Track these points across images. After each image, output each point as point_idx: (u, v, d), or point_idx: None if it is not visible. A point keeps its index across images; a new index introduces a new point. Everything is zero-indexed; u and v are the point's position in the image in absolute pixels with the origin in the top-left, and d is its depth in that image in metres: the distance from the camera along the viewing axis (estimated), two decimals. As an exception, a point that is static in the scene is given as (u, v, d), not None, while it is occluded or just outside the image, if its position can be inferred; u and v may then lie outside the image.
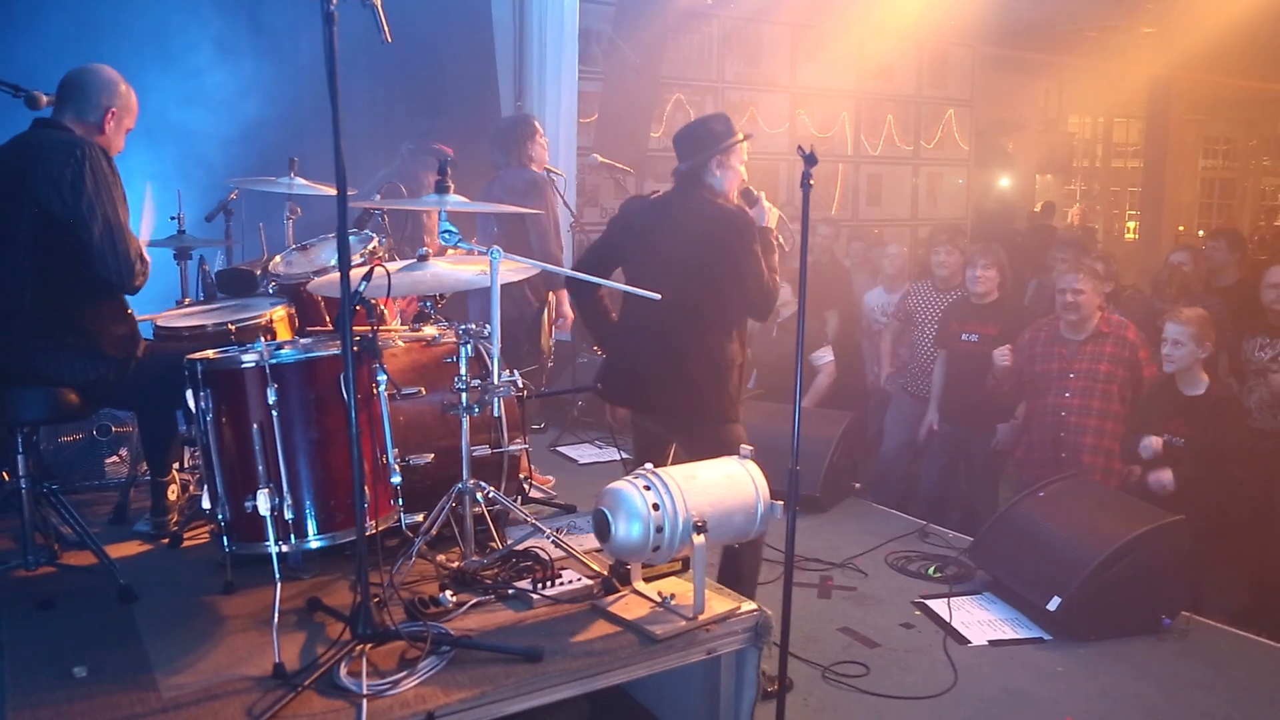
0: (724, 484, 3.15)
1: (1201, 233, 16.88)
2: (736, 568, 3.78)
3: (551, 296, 5.56)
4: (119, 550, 3.64)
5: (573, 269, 4.11)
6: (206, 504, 3.22)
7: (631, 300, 3.58)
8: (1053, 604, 4.17)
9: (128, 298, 3.54)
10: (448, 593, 3.16)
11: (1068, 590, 4.15)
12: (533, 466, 4.20)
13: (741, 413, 3.90)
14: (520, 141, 5.53)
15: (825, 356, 6.53)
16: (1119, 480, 5.11)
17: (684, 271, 3.71)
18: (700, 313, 3.76)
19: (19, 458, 3.37)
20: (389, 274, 3.22)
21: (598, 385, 4.08)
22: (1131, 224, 18.32)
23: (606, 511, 3.02)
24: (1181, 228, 17.06)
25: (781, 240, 3.88)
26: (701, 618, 3.07)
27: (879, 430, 6.86)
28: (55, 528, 3.58)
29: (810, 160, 3.06)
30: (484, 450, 3.55)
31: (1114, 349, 5.27)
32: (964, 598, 4.56)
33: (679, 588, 3.25)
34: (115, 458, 4.66)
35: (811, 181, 3.09)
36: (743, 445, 3.32)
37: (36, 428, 3.55)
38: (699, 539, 3.01)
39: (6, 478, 3.44)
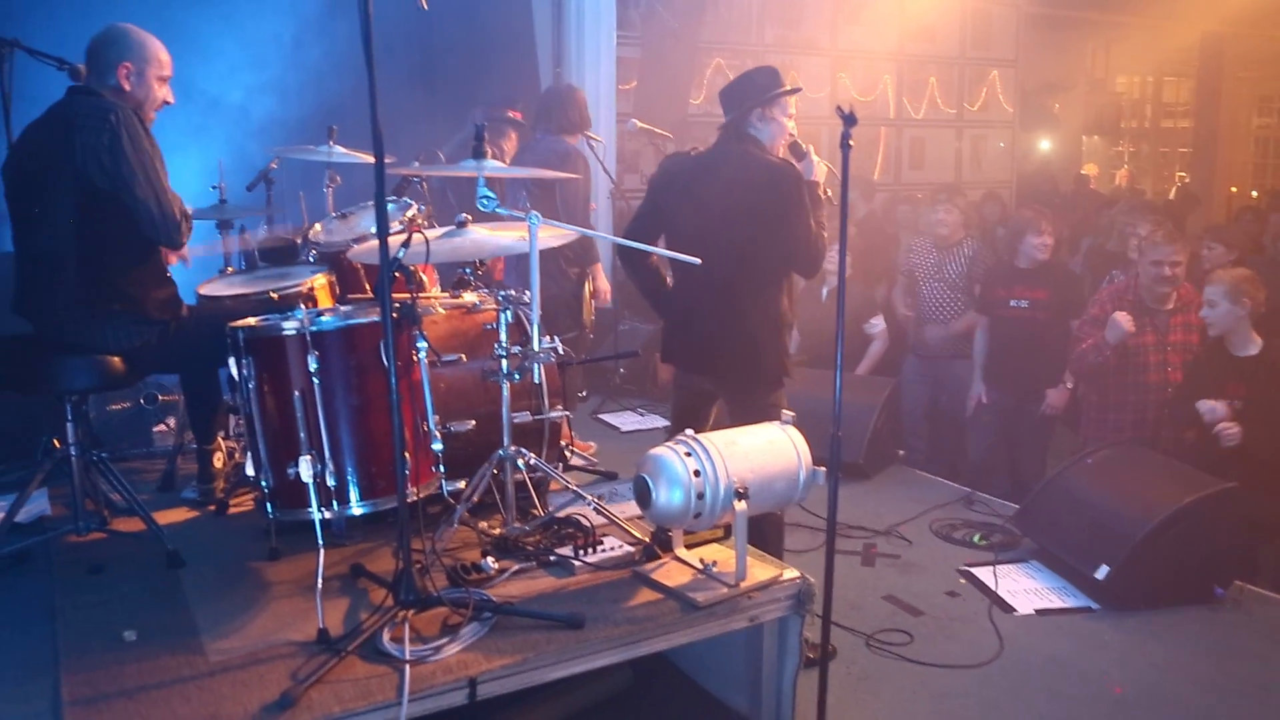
0: (765, 450, 3.12)
1: (1255, 193, 16.52)
2: (761, 532, 3.73)
3: (588, 271, 5.53)
4: (166, 517, 3.69)
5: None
6: (250, 471, 3.26)
7: (683, 262, 3.56)
8: (1101, 572, 4.11)
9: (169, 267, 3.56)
10: (490, 559, 3.17)
11: (1117, 559, 4.09)
12: (573, 433, 4.19)
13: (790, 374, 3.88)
14: (557, 110, 5.48)
15: (878, 325, 6.50)
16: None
17: (733, 229, 3.67)
18: (754, 269, 3.73)
19: (68, 426, 3.41)
20: (427, 240, 3.21)
21: (637, 351, 4.07)
22: (1173, 188, 17.90)
23: (647, 478, 3.00)
24: (1234, 188, 16.70)
25: (830, 194, 3.82)
26: (744, 585, 3.05)
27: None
28: (105, 494, 3.63)
29: (850, 120, 2.99)
30: (525, 417, 3.54)
31: (1198, 319, 5.17)
32: (1010, 566, 4.52)
33: (721, 555, 3.24)
34: (162, 426, 4.71)
35: (851, 142, 3.02)
36: (784, 410, 3.29)
37: (85, 396, 3.59)
38: (740, 505, 2.98)
39: (57, 445, 3.49)
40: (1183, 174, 17.44)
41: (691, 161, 3.93)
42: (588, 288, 5.59)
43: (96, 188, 3.28)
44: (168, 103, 3.58)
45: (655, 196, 4.01)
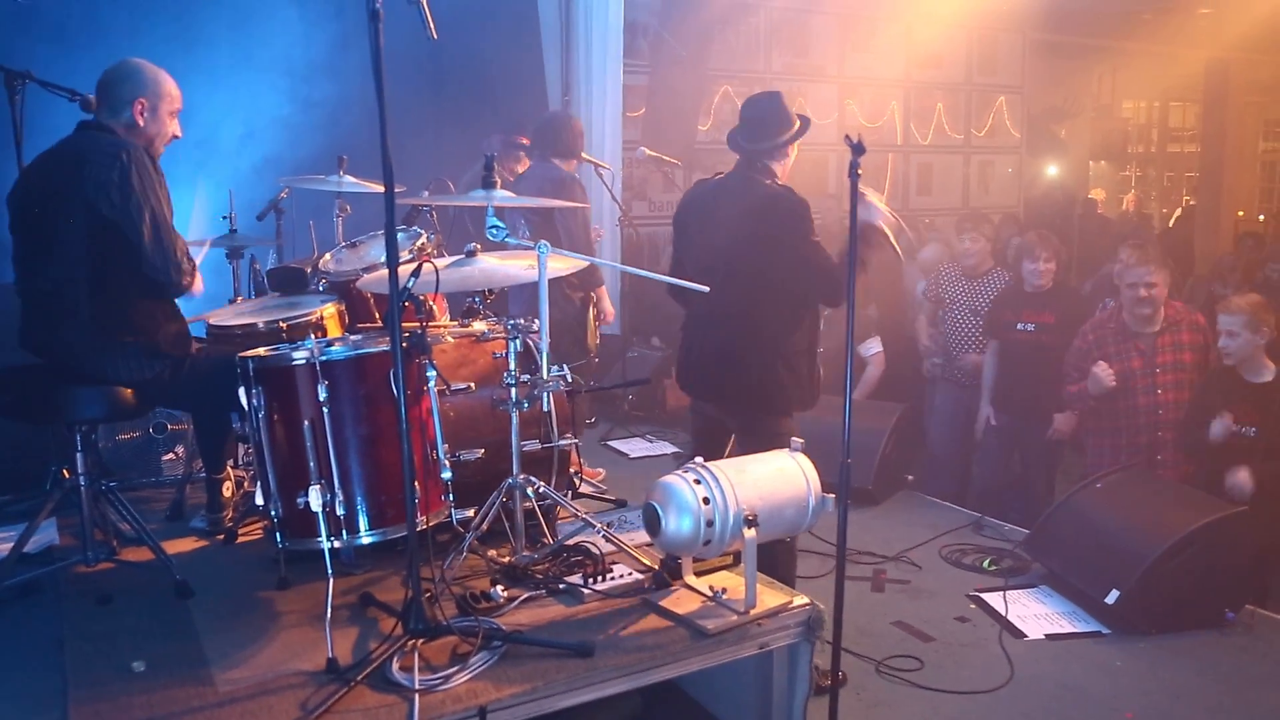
0: (775, 477, 3.12)
1: (1262, 217, 16.51)
2: (772, 559, 3.73)
3: (592, 294, 5.54)
4: (175, 546, 3.69)
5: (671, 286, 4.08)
6: (260, 500, 3.26)
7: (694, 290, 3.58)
8: (1111, 597, 4.10)
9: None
10: (499, 588, 3.16)
11: (1127, 583, 4.07)
12: (582, 460, 4.19)
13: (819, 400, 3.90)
14: (551, 136, 5.48)
15: (873, 347, 6.45)
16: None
17: (735, 256, 3.70)
18: (757, 297, 3.74)
19: (77, 456, 3.42)
20: (437, 270, 3.23)
21: (648, 379, 4.09)
22: (1177, 210, 17.87)
23: (657, 506, 3.00)
24: (1241, 213, 16.68)
25: (899, 249, 3.87)
26: (753, 612, 3.05)
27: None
28: (114, 524, 3.63)
29: (858, 149, 3.00)
30: (534, 445, 3.55)
31: (1190, 336, 5.15)
32: (1020, 591, 4.49)
33: (730, 582, 3.23)
34: (171, 455, 4.72)
35: (860, 171, 3.04)
36: (793, 439, 3.29)
37: (94, 426, 3.60)
38: (750, 533, 2.98)
39: (66, 475, 3.50)
40: (1189, 198, 17.45)
41: (708, 189, 3.96)
42: (592, 312, 5.60)
43: (106, 221, 3.30)
44: (176, 136, 3.62)
45: (677, 232, 4.05)
